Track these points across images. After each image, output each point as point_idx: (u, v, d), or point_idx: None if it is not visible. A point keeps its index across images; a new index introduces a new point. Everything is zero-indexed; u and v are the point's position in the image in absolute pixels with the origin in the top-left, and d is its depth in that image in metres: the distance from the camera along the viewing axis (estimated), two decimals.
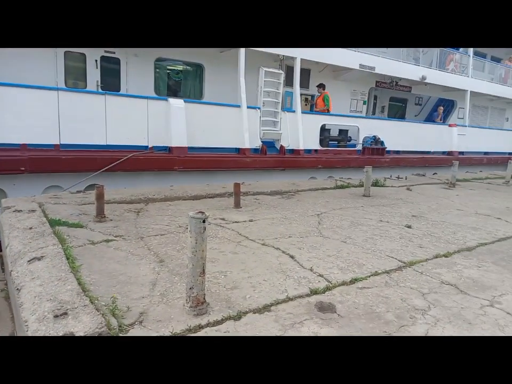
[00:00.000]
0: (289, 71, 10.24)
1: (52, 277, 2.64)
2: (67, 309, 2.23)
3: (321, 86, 11.00)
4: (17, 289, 2.59)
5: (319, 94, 11.15)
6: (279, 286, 2.77)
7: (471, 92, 14.52)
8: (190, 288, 2.30)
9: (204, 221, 2.23)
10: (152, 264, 3.10)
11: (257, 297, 2.59)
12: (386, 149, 11.47)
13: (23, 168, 5.90)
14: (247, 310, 2.40)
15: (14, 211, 4.22)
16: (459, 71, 14.48)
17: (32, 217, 4.00)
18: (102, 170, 6.50)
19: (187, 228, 2.39)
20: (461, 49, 15.12)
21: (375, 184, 7.89)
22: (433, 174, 12.01)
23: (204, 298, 2.37)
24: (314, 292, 2.70)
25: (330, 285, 2.82)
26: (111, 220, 4.30)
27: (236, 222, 4.53)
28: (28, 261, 2.90)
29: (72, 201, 5.01)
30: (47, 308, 2.24)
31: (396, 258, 3.49)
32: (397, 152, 12.41)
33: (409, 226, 4.68)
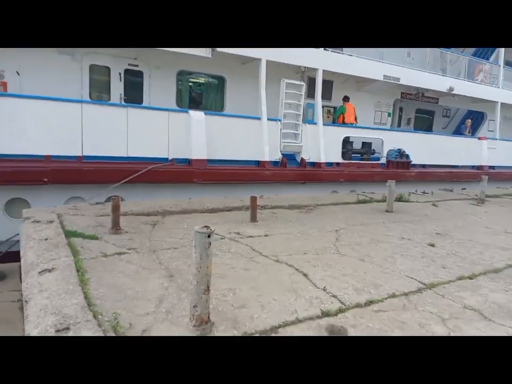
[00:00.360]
0: (311, 83, 10.16)
1: (59, 289, 2.63)
2: (69, 324, 2.20)
3: (348, 99, 10.93)
4: (26, 301, 2.59)
5: (344, 106, 10.98)
6: (289, 306, 2.66)
7: (501, 103, 14.01)
8: (194, 306, 2.22)
9: (209, 236, 2.16)
10: (162, 278, 3.05)
11: (265, 317, 2.48)
12: (412, 163, 11.15)
13: (46, 179, 6.03)
14: (253, 331, 2.30)
15: (33, 222, 4.29)
16: (489, 82, 14.01)
17: (49, 228, 4.05)
18: (122, 182, 6.57)
19: None
20: (491, 59, 14.68)
21: (399, 199, 7.64)
22: (462, 189, 11.58)
23: (208, 317, 2.28)
24: (326, 314, 2.57)
25: (344, 307, 2.68)
26: (127, 232, 4.30)
27: (251, 236, 4.44)
28: (39, 273, 2.91)
29: (90, 212, 5.06)
30: (50, 322, 2.21)
31: (416, 279, 3.31)
32: (423, 166, 12.05)
33: (432, 245, 4.46)
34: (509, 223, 6.14)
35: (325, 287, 3.02)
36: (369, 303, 2.78)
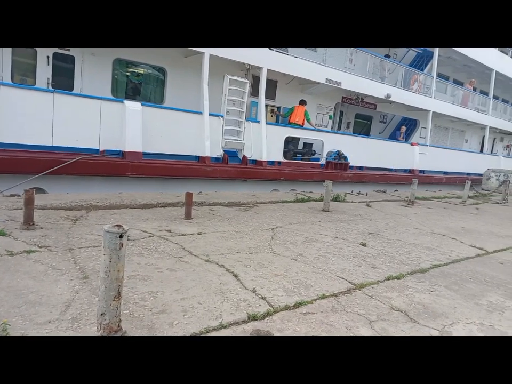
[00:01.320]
0: (256, 81, 10.09)
1: None
2: None
3: (303, 103, 11.19)
4: None
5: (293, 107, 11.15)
6: (214, 310, 2.47)
7: (433, 112, 14.93)
8: (102, 314, 1.96)
9: (121, 236, 1.91)
10: (74, 280, 2.73)
11: (186, 323, 2.28)
12: (350, 164, 11.50)
13: None
14: None
15: None
16: (422, 92, 14.87)
17: None
18: (45, 172, 5.98)
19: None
20: (425, 70, 15.59)
21: (336, 199, 7.78)
22: (394, 191, 12.15)
23: (119, 326, 2.03)
24: (252, 318, 2.42)
25: (272, 310, 2.55)
26: (41, 228, 3.86)
27: (183, 234, 4.20)
28: None
29: (2, 205, 4.52)
30: None
31: (346, 280, 3.28)
32: (360, 168, 12.47)
33: (364, 245, 4.52)
34: (436, 224, 6.46)
35: (254, 288, 2.87)
36: (298, 305, 2.68)
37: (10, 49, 7.20)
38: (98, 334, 1.99)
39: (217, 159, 8.65)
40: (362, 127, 16.02)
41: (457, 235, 5.75)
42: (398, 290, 3.20)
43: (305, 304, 2.69)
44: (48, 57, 7.62)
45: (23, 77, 7.50)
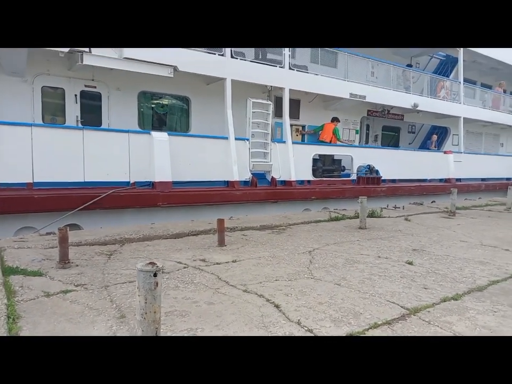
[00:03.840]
0: (278, 102, 10.05)
1: None
2: None
3: (334, 120, 11.22)
4: None
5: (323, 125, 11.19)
6: None
7: (464, 118, 14.41)
8: None
9: (155, 275, 1.79)
10: (111, 320, 2.62)
11: None
12: (382, 178, 11.14)
13: None
14: None
15: None
16: (450, 98, 14.42)
17: None
18: (78, 208, 6.06)
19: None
20: (451, 76, 15.17)
21: (371, 215, 7.48)
22: (432, 202, 11.65)
23: None
24: None
25: None
26: (77, 266, 3.83)
27: (218, 263, 4.06)
28: None
29: (38, 244, 4.55)
30: None
31: (398, 304, 3.02)
32: (393, 181, 12.08)
33: (410, 263, 4.22)
34: (483, 235, 6.04)
35: (299, 320, 2.67)
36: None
37: (40, 91, 7.50)
38: None
39: (245, 182, 8.57)
40: (391, 139, 15.64)
41: (510, 246, 5.32)
42: (457, 313, 2.90)
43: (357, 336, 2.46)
44: (76, 95, 7.88)
45: (53, 116, 7.76)
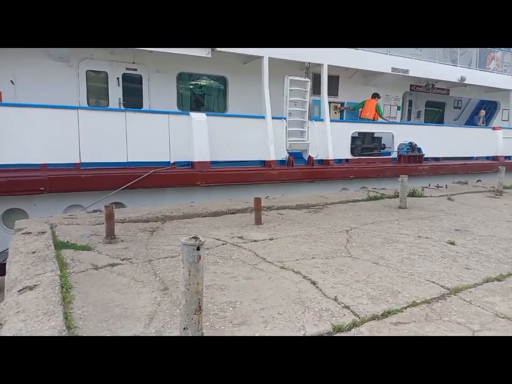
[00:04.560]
0: (317, 79, 9.83)
1: (38, 310, 2.36)
2: None
3: (375, 96, 10.92)
4: (0, 324, 2.33)
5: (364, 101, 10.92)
6: (296, 321, 2.35)
7: None
8: (184, 329, 1.93)
9: (198, 248, 1.87)
10: (155, 292, 2.77)
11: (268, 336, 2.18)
12: (424, 156, 10.73)
13: (42, 188, 5.83)
14: None
15: (23, 233, 4.05)
16: (501, 70, 13.48)
17: (39, 240, 3.81)
18: (122, 187, 6.33)
19: None
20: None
21: (412, 194, 7.26)
22: (477, 181, 11.11)
23: None
24: (337, 329, 2.25)
25: (358, 320, 2.36)
26: (122, 241, 4.03)
27: (255, 240, 4.14)
28: (18, 291, 2.64)
29: (86, 221, 4.82)
30: None
31: (437, 284, 2.97)
32: (436, 159, 11.60)
33: (452, 243, 4.11)
34: None
35: (336, 296, 2.70)
36: (387, 314, 2.45)
37: (84, 75, 7.79)
38: None
39: (282, 161, 8.56)
40: (434, 115, 14.94)
41: None
42: (500, 293, 2.82)
43: (395, 313, 2.46)
44: (118, 78, 8.11)
45: (97, 99, 8.05)
